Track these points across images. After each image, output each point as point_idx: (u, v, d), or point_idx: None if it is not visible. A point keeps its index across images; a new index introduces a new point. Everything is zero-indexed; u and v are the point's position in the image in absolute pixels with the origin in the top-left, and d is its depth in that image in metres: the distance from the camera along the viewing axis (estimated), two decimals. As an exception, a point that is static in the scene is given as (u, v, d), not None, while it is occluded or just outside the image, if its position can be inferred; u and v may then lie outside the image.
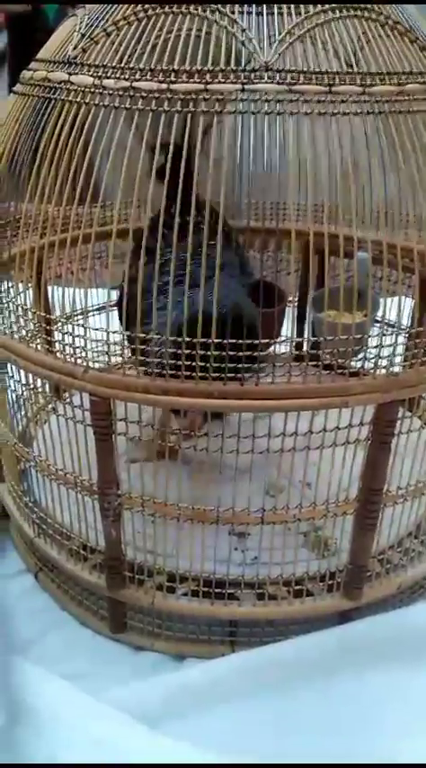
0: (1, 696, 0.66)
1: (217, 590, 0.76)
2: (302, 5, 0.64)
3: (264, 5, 0.64)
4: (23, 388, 0.83)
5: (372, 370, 0.66)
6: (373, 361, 0.65)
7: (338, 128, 0.61)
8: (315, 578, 0.78)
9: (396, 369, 0.65)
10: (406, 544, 0.82)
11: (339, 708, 0.71)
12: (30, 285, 0.92)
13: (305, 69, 0.61)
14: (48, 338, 0.73)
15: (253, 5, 0.64)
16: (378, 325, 1.03)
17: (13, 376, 0.83)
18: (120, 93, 0.62)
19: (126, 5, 0.66)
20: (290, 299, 1.16)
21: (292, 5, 0.64)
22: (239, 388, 0.64)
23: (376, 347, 0.66)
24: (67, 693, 0.68)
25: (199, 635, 0.79)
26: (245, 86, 0.60)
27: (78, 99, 0.65)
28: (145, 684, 0.74)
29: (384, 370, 0.65)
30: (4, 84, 2.49)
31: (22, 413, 1.00)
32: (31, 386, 0.83)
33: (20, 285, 0.87)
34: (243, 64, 0.61)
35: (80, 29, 0.68)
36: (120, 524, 0.75)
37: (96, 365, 0.67)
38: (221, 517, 0.71)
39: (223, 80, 0.60)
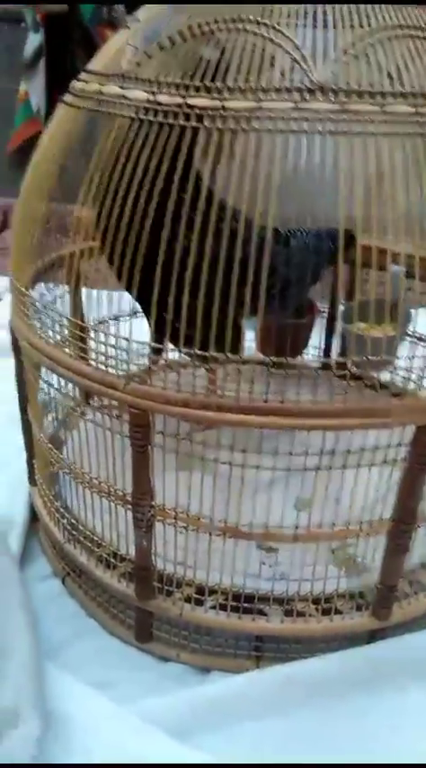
0: (37, 705, 0.66)
1: (245, 604, 0.76)
2: (357, 24, 0.64)
3: (320, 20, 0.64)
4: (54, 392, 0.84)
5: (414, 390, 0.65)
6: (415, 381, 0.65)
7: (390, 146, 0.61)
8: (344, 596, 0.78)
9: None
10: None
11: (366, 727, 0.70)
12: (68, 290, 0.93)
13: (357, 89, 0.61)
14: (83, 345, 0.74)
15: (309, 19, 0.64)
16: (410, 338, 1.04)
17: (43, 377, 0.84)
18: (175, 109, 0.62)
19: (181, 22, 0.66)
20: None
21: (347, 23, 0.64)
22: (279, 405, 0.64)
23: (409, 361, 0.65)
24: (98, 704, 0.69)
25: (225, 648, 0.79)
26: (298, 105, 0.60)
27: (132, 114, 0.65)
28: (173, 696, 0.74)
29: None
30: (41, 82, 2.51)
31: (53, 416, 1.01)
32: (62, 389, 0.84)
33: (60, 290, 0.89)
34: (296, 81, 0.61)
35: (135, 42, 0.68)
36: (152, 535, 0.75)
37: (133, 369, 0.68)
38: (254, 533, 0.71)
39: (276, 98, 0.60)
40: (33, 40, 2.50)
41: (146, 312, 0.86)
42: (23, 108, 2.55)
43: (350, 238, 0.66)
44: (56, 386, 0.83)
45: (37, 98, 2.51)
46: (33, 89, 2.51)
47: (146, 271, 0.65)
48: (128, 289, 0.76)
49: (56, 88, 2.52)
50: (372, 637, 0.77)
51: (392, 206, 0.62)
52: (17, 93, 2.56)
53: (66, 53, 2.52)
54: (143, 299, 0.82)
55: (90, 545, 0.85)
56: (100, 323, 0.92)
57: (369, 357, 0.64)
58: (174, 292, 0.64)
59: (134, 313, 1.06)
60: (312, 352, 1.19)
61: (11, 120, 2.59)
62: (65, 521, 0.88)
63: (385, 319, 0.68)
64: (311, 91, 0.60)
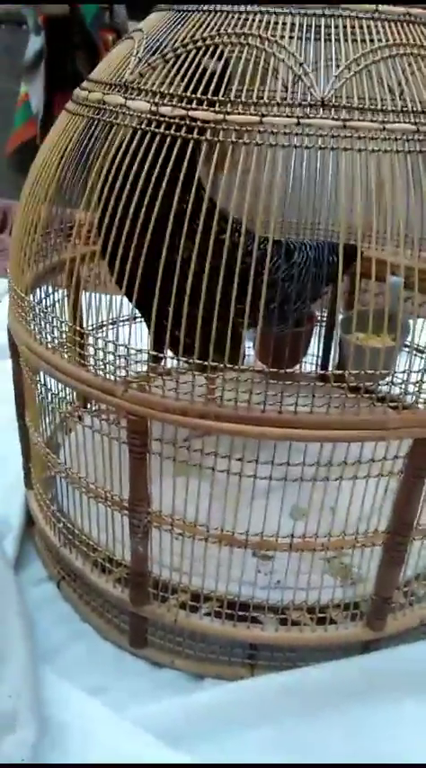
0: (34, 710, 0.66)
1: (240, 612, 0.76)
2: (359, 39, 0.64)
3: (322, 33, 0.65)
4: (51, 396, 0.84)
5: (411, 403, 0.66)
6: (413, 394, 0.66)
7: (391, 161, 0.61)
8: (339, 606, 0.78)
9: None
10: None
11: (358, 737, 0.71)
12: (67, 294, 0.94)
13: (360, 106, 0.62)
14: (81, 351, 0.74)
15: (312, 33, 0.65)
16: (408, 350, 1.04)
17: (43, 383, 0.84)
18: (177, 121, 0.63)
19: (185, 34, 0.66)
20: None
21: (350, 37, 0.65)
22: (277, 416, 0.64)
23: (403, 373, 0.66)
24: (93, 709, 0.69)
25: (219, 656, 0.80)
26: (301, 120, 0.61)
27: (134, 124, 0.65)
28: (167, 703, 0.74)
29: (423, 405, 0.65)
30: (41, 84, 2.51)
31: (49, 419, 1.02)
32: (59, 394, 0.84)
33: (59, 294, 0.89)
34: (298, 97, 0.62)
35: (138, 53, 0.69)
36: (148, 541, 0.76)
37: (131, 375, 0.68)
38: (250, 541, 0.72)
39: (279, 113, 0.61)
40: (34, 43, 2.50)
41: (146, 319, 0.87)
42: (23, 109, 2.55)
43: (353, 252, 0.67)
44: (53, 390, 0.84)
45: (36, 100, 2.52)
46: (33, 91, 2.51)
47: (147, 278, 0.65)
48: (128, 296, 0.77)
49: (56, 91, 2.53)
50: (366, 647, 0.78)
51: (391, 220, 0.63)
52: (17, 95, 2.56)
53: (67, 56, 2.53)
54: (142, 306, 0.83)
55: (85, 549, 0.85)
56: (98, 327, 0.92)
57: (367, 369, 0.64)
58: (174, 301, 0.65)
59: (133, 318, 1.07)
60: (310, 361, 1.20)
61: (11, 121, 2.59)
62: (61, 525, 0.88)
63: (383, 330, 0.69)
64: (313, 106, 0.61)
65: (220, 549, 0.73)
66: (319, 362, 1.22)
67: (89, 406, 1.08)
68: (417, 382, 0.65)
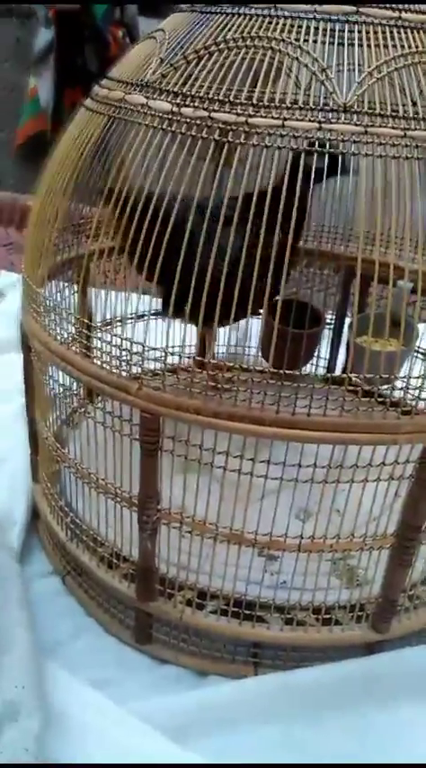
0: (39, 700, 0.67)
1: (245, 611, 0.77)
2: (381, 45, 0.65)
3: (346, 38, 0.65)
4: (60, 388, 0.85)
5: (424, 408, 0.67)
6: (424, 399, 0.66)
7: (411, 168, 0.62)
8: (345, 608, 0.79)
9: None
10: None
11: (360, 738, 0.72)
12: (76, 290, 0.94)
13: (381, 112, 0.62)
14: (89, 344, 0.74)
15: (335, 37, 0.65)
16: (419, 355, 1.05)
17: (52, 376, 0.84)
18: (198, 122, 0.63)
19: (207, 35, 0.67)
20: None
21: (372, 42, 0.65)
22: (290, 417, 0.65)
23: (418, 378, 0.66)
24: (97, 702, 0.70)
25: (223, 653, 0.80)
26: (322, 125, 0.61)
27: (155, 124, 0.66)
28: (169, 698, 0.75)
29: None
30: (50, 77, 2.51)
31: (57, 413, 1.02)
32: (68, 387, 0.84)
33: (72, 289, 0.90)
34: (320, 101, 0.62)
35: (160, 53, 0.69)
36: (156, 537, 0.76)
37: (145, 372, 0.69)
38: (258, 541, 0.72)
39: (301, 117, 0.61)
40: (44, 36, 2.50)
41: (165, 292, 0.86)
42: (32, 104, 2.55)
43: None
44: (64, 384, 0.84)
45: (45, 94, 2.51)
46: (42, 85, 2.51)
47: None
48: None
49: (65, 86, 2.53)
50: (370, 649, 0.78)
51: (408, 225, 0.63)
52: (26, 88, 2.56)
53: (77, 51, 2.53)
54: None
55: (92, 544, 0.86)
56: (110, 323, 0.93)
57: (378, 372, 0.65)
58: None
59: (141, 316, 1.07)
60: (315, 362, 1.20)
61: (19, 114, 2.59)
62: (68, 519, 0.89)
63: (393, 334, 0.69)
64: (335, 111, 0.61)
65: (228, 547, 0.74)
66: (327, 365, 1.23)
67: (95, 400, 1.08)
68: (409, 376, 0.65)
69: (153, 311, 1.06)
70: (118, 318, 0.83)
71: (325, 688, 0.74)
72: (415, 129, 0.62)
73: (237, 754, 0.70)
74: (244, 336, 1.20)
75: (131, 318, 0.95)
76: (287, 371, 0.67)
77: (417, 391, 0.66)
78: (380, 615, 0.76)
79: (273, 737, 0.72)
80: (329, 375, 1.20)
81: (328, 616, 0.77)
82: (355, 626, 0.77)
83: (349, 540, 0.73)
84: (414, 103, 0.63)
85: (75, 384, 0.96)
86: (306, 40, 0.65)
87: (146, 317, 1.03)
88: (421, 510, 0.70)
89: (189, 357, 0.79)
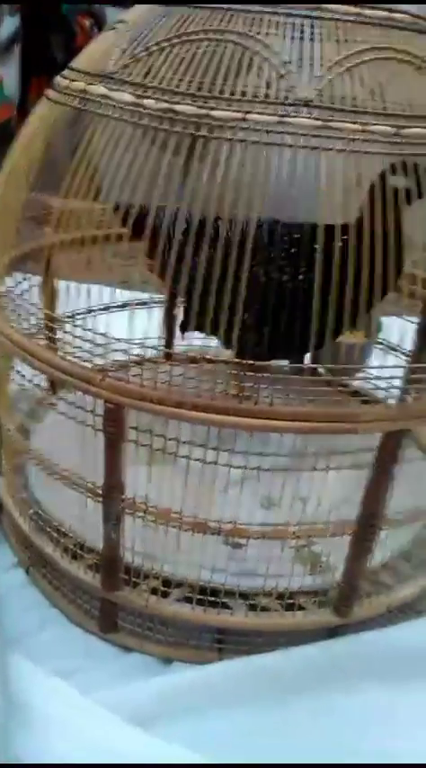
0: (2, 691, 0.67)
1: (210, 598, 0.78)
2: (342, 40, 0.66)
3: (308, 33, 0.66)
4: (24, 381, 0.85)
5: (383, 398, 0.68)
6: (384, 389, 0.68)
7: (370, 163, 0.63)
8: (308, 593, 0.80)
9: (409, 399, 0.67)
10: (397, 566, 0.85)
11: (326, 720, 0.73)
12: (43, 281, 0.94)
13: (340, 106, 0.63)
14: (55, 337, 0.74)
15: (296, 32, 0.66)
16: (380, 347, 1.07)
17: (14, 367, 0.84)
18: (160, 114, 0.64)
19: (169, 27, 0.67)
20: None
21: (333, 38, 0.66)
22: (252, 407, 0.66)
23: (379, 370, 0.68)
24: (60, 692, 0.70)
25: (188, 640, 0.81)
26: (283, 119, 0.62)
27: (116, 115, 0.66)
28: (136, 685, 0.75)
29: (393, 401, 0.67)
30: (16, 67, 2.49)
31: (19, 405, 1.02)
32: (31, 380, 0.84)
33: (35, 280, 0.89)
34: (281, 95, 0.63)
35: (121, 44, 0.69)
36: (121, 527, 0.77)
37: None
38: (222, 529, 0.73)
39: (261, 111, 0.62)
40: (9, 25, 2.47)
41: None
42: (-3, 92, 2.52)
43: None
44: (27, 376, 0.84)
45: (11, 83, 2.49)
46: (7, 74, 2.48)
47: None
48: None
49: (31, 74, 2.50)
50: (333, 633, 0.80)
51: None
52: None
53: (43, 40, 2.50)
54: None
55: (56, 535, 0.86)
56: (74, 315, 0.93)
57: (341, 363, 0.66)
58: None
59: (107, 307, 1.08)
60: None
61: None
62: (31, 511, 0.89)
63: (357, 326, 0.71)
64: (295, 105, 0.62)
65: (193, 536, 0.75)
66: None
67: (59, 392, 1.08)
68: (389, 378, 0.67)
69: (119, 303, 1.07)
70: (79, 311, 0.84)
71: (290, 671, 0.76)
72: (375, 124, 0.63)
73: (206, 739, 0.71)
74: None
75: (95, 310, 0.96)
76: (250, 362, 0.69)
77: (384, 383, 0.67)
78: (342, 600, 0.78)
79: (241, 721, 0.73)
80: (293, 365, 1.21)
81: (292, 601, 0.78)
82: (318, 611, 0.79)
83: (311, 527, 0.74)
84: (374, 98, 0.64)
85: (38, 376, 0.96)
86: (267, 34, 0.65)
87: (111, 310, 1.04)
88: (381, 497, 0.71)
89: (154, 348, 0.80)
